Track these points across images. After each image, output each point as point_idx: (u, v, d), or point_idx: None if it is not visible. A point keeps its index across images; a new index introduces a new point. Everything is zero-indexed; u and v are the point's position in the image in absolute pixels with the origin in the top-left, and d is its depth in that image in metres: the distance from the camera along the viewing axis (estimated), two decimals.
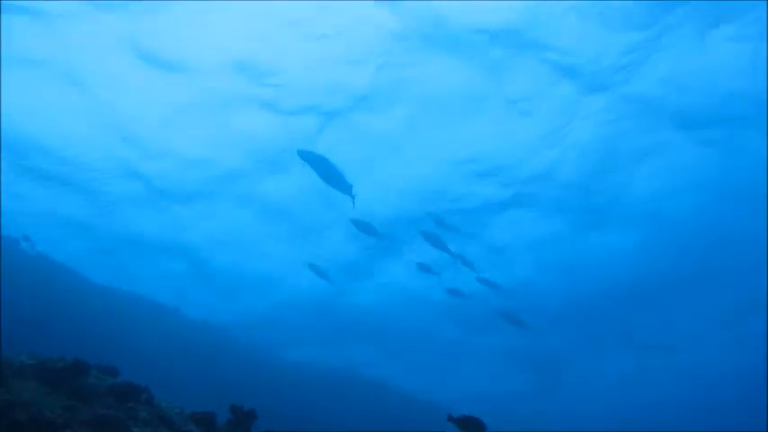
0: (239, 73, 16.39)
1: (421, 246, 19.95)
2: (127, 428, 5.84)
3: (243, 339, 24.40)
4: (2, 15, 14.12)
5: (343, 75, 16.31)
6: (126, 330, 16.99)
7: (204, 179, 20.76)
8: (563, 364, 34.49)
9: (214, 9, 14.50)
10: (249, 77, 16.52)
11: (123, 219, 22.55)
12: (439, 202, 20.95)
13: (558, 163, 19.44)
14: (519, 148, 18.90)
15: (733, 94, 16.44)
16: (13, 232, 19.39)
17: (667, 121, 17.61)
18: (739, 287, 26.10)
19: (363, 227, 14.50)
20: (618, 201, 21.14)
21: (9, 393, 5.65)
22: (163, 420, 6.32)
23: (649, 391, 39.00)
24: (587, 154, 18.98)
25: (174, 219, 22.67)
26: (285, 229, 23.36)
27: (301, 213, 22.01)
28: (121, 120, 18.15)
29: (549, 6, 14.04)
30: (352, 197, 12.25)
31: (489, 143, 18.71)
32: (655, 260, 24.29)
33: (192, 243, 24.32)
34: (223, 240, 24.25)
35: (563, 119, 17.61)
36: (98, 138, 18.75)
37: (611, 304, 27.62)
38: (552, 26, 14.64)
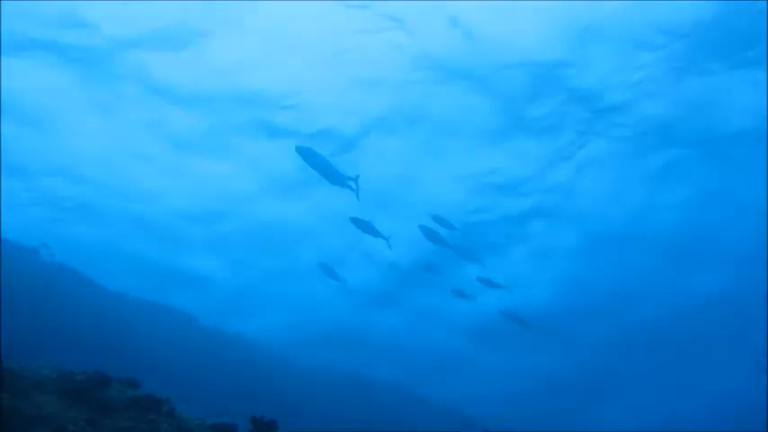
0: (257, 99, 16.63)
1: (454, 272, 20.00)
2: None
3: (262, 348, 24.40)
4: None
5: (361, 98, 16.41)
6: (143, 339, 17.02)
7: (220, 203, 20.99)
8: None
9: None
10: (263, 104, 16.70)
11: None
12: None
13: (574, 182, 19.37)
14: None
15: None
16: (32, 240, 19.53)
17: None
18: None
19: (364, 226, 14.36)
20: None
21: (32, 407, 5.61)
22: None
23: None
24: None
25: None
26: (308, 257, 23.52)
27: (324, 239, 21.94)
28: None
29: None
30: (356, 189, 12.21)
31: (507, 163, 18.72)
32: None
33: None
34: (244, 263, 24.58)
35: (580, 139, 17.55)
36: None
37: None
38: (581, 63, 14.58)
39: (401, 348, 29.86)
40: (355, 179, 12.01)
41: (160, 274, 24.60)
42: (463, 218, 20.20)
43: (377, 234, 14.13)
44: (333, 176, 11.97)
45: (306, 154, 11.73)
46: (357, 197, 12.43)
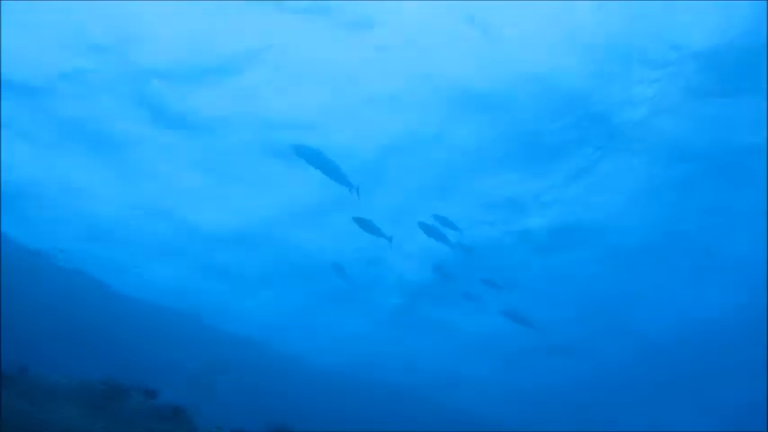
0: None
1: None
2: None
3: (278, 351, 24.32)
4: None
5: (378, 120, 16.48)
6: (160, 345, 17.01)
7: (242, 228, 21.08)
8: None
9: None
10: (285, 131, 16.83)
11: None
12: None
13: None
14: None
15: None
16: (48, 245, 19.62)
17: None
18: None
19: (366, 226, 14.16)
20: None
21: (50, 417, 5.56)
22: None
23: None
24: None
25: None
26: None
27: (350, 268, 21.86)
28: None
29: None
30: (357, 190, 12.17)
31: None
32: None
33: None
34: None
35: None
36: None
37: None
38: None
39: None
40: (357, 189, 11.98)
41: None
42: (478, 233, 20.10)
43: (379, 234, 14.01)
44: (335, 174, 11.95)
45: (305, 153, 11.65)
46: (358, 197, 12.45)
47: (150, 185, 19.07)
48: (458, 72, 14.86)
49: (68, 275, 18.46)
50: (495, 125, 16.50)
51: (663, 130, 16.14)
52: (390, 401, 24.14)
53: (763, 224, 19.12)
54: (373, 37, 13.92)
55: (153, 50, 14.40)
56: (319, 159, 12.00)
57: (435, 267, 20.15)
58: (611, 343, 26.86)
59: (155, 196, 19.57)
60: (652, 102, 15.33)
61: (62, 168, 18.10)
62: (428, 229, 15.75)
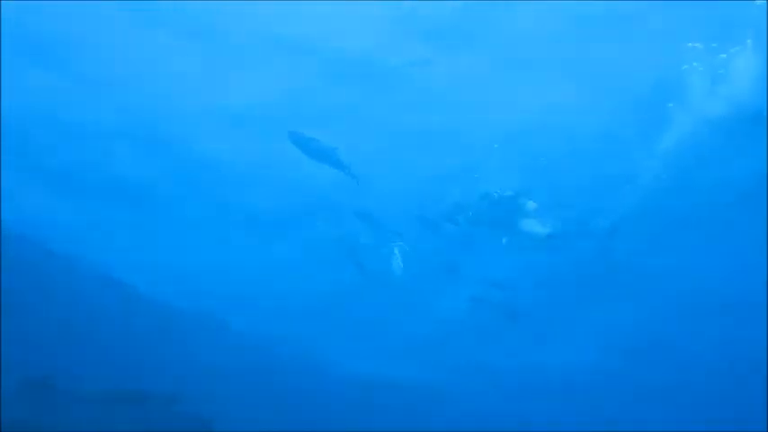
0: None
1: None
2: None
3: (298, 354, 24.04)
4: None
5: None
6: (182, 349, 17.14)
7: None
8: None
9: None
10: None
11: None
12: None
13: None
14: None
15: None
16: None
17: None
18: None
19: (368, 220, 13.94)
20: None
21: (74, 424, 5.68)
22: None
23: None
24: None
25: None
26: None
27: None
28: None
29: None
30: (354, 177, 12.00)
31: None
32: None
33: None
34: None
35: None
36: None
37: None
38: None
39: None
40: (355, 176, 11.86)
41: None
42: None
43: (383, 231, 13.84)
44: (332, 161, 11.81)
45: (299, 140, 11.47)
46: (357, 183, 12.38)
47: None
48: None
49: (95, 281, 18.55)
50: None
51: None
52: None
53: None
54: None
55: None
56: (315, 147, 11.81)
57: None
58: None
59: None
60: None
61: None
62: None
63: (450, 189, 15.76)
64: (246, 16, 9.98)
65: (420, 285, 21.89)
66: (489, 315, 21.40)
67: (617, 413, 31.54)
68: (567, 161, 12.61)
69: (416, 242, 19.07)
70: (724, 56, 8.92)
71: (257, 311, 24.37)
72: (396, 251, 14.76)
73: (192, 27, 10.00)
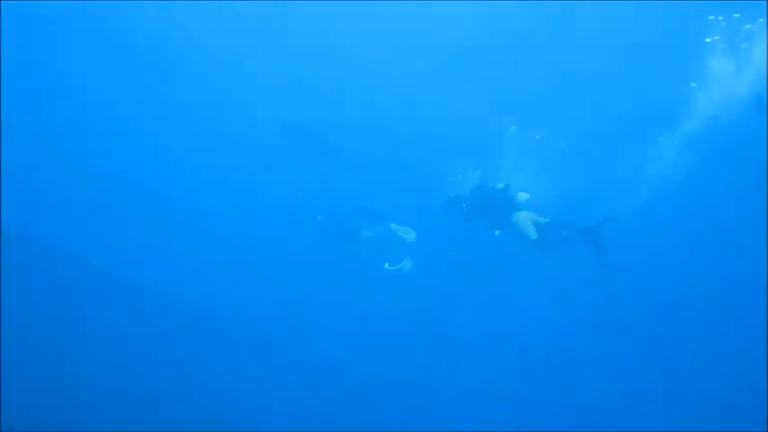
0: None
1: None
2: None
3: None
4: None
5: None
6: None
7: None
8: None
9: None
10: None
11: None
12: None
13: None
14: None
15: None
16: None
17: None
18: None
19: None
20: None
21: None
22: None
23: None
24: None
25: None
26: None
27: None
28: None
29: None
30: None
31: None
32: None
33: None
34: None
35: None
36: None
37: None
38: None
39: None
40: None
41: None
42: None
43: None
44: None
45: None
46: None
47: None
48: None
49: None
50: None
51: None
52: None
53: None
54: None
55: None
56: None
57: None
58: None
59: None
60: None
61: None
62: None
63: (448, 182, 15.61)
64: None
65: (422, 283, 21.78)
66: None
67: (617, 413, 31.29)
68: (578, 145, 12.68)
69: (420, 237, 18.92)
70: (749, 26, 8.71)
71: (257, 311, 24.26)
72: (401, 249, 14.85)
73: None
